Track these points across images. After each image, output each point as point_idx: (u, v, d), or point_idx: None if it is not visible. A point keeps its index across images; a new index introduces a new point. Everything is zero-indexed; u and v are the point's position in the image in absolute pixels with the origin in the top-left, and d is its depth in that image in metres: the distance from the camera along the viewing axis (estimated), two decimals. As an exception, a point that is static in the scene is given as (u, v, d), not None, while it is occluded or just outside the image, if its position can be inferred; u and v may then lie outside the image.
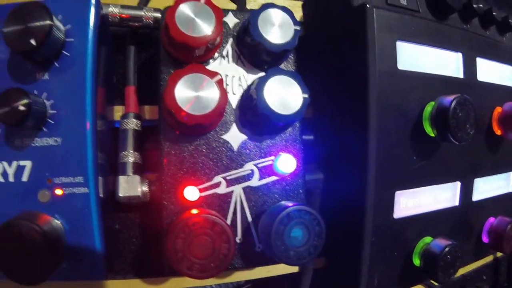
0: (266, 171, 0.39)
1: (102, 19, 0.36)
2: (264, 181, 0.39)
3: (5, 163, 0.33)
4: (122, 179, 0.38)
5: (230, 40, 0.40)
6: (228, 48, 0.39)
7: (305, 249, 0.35)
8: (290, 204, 0.36)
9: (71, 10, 0.33)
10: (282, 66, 0.41)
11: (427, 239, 0.41)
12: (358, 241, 0.40)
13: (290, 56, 0.41)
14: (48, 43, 0.31)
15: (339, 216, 0.43)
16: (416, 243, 0.41)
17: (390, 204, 0.40)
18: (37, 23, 0.30)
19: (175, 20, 0.35)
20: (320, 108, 0.47)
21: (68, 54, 0.33)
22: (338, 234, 0.43)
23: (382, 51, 0.39)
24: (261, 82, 0.36)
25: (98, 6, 0.35)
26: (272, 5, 0.38)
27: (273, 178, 0.39)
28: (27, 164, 0.33)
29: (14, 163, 0.33)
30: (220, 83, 0.35)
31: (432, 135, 0.40)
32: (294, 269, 0.45)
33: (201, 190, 0.37)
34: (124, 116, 0.40)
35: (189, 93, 0.34)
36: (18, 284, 0.29)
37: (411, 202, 0.42)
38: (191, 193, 0.37)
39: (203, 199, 0.37)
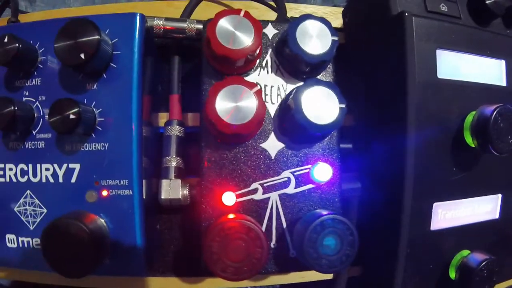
0: (302, 179, 0.39)
1: (147, 31, 0.37)
2: (300, 189, 0.39)
3: (56, 165, 0.35)
4: (164, 182, 0.39)
5: (270, 51, 0.40)
6: (268, 58, 0.40)
7: (337, 257, 0.35)
8: (324, 212, 0.36)
9: (118, 24, 0.35)
10: (320, 75, 0.41)
11: (465, 252, 0.40)
12: (394, 252, 0.39)
13: (328, 66, 0.41)
14: (96, 57, 0.32)
15: (376, 225, 0.43)
16: (453, 256, 0.40)
17: (427, 216, 0.39)
18: (86, 39, 0.32)
19: (216, 34, 0.35)
20: (360, 117, 0.46)
21: (115, 66, 0.35)
22: (374, 243, 0.43)
23: (422, 60, 0.38)
24: (298, 93, 0.36)
25: (143, 20, 0.36)
26: (310, 16, 0.38)
27: (309, 186, 0.39)
28: (76, 167, 0.35)
29: (64, 166, 0.35)
30: (258, 93, 0.35)
31: (473, 145, 0.39)
32: (328, 276, 0.44)
33: (238, 196, 0.38)
34: (168, 123, 0.41)
35: (228, 104, 0.35)
36: (63, 276, 0.31)
37: (449, 214, 0.40)
38: (229, 198, 0.37)
39: (240, 204, 0.38)
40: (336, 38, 0.38)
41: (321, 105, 0.36)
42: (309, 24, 0.38)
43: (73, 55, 0.32)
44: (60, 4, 0.76)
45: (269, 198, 0.38)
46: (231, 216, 0.36)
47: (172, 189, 0.39)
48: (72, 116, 0.32)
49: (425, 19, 0.39)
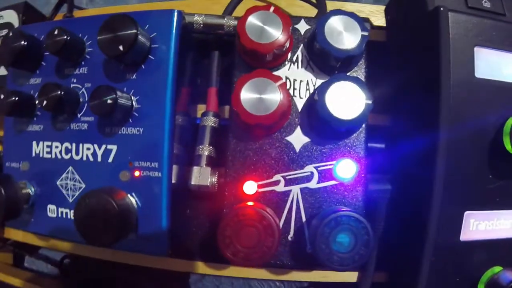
0: (326, 175, 0.38)
1: (184, 27, 0.39)
2: (322, 185, 0.38)
3: (96, 146, 0.38)
4: (195, 169, 0.41)
5: (301, 46, 0.40)
6: (299, 53, 0.40)
7: (350, 256, 0.34)
8: (343, 208, 0.35)
9: (157, 20, 0.37)
10: (352, 72, 0.40)
11: (497, 268, 0.36)
12: (418, 259, 0.36)
13: (361, 62, 0.40)
14: (134, 49, 0.35)
15: (403, 230, 0.41)
16: (484, 271, 0.36)
17: (457, 224, 0.36)
18: (124, 32, 0.34)
19: (245, 29, 0.37)
20: (394, 116, 0.44)
21: (153, 58, 0.37)
22: (400, 248, 0.41)
23: (458, 58, 0.35)
24: (324, 87, 0.36)
25: (180, 17, 0.38)
26: (340, 12, 0.37)
27: (332, 182, 0.38)
28: (114, 148, 0.37)
29: (103, 146, 0.38)
30: (282, 87, 0.36)
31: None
32: (352, 278, 0.43)
33: (260, 186, 0.38)
34: (204, 114, 0.43)
35: (253, 95, 0.36)
36: (90, 244, 0.34)
37: (482, 225, 0.37)
38: (250, 187, 0.38)
39: (261, 195, 0.38)
40: (365, 34, 0.37)
41: (346, 100, 0.36)
42: (338, 19, 0.37)
43: (113, 47, 0.34)
44: (120, 1, 0.81)
45: (290, 191, 0.38)
46: (249, 203, 0.36)
47: (202, 176, 0.41)
48: (109, 101, 0.34)
49: (463, 15, 0.36)
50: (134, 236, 0.37)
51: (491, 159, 0.36)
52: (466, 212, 0.36)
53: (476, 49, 0.36)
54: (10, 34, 0.36)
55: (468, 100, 0.36)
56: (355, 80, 0.36)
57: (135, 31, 0.35)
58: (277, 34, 0.37)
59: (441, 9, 0.36)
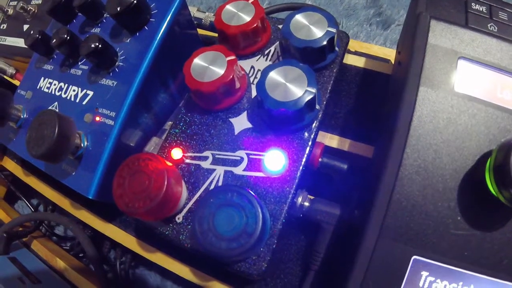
0: (255, 164, 0.30)
1: (189, 19, 0.38)
2: (247, 173, 0.29)
3: (79, 89, 0.37)
4: (154, 139, 0.37)
5: (276, 43, 0.34)
6: (272, 49, 0.34)
7: (228, 239, 0.24)
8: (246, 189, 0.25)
9: (162, 1, 0.36)
10: (320, 74, 0.32)
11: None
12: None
13: (332, 66, 0.31)
14: (129, 13, 0.34)
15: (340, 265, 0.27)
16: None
17: (399, 272, 0.23)
18: (126, -1, 0.34)
19: (221, 13, 0.33)
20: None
21: (147, 29, 0.36)
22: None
23: (434, 67, 0.25)
24: (271, 67, 0.29)
25: (181, 4, 0.36)
26: (313, 9, 0.31)
27: (259, 174, 0.29)
28: (91, 93, 0.36)
29: (84, 91, 0.37)
30: (231, 62, 0.30)
31: (495, 194, 0.22)
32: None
33: (188, 157, 0.31)
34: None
35: (202, 64, 0.31)
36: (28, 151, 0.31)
37: (440, 285, 0.22)
38: (177, 154, 0.31)
39: (187, 166, 0.31)
40: (332, 30, 0.29)
41: (290, 85, 0.28)
42: (308, 14, 0.31)
43: (113, 6, 0.34)
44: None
45: (214, 170, 0.30)
46: (168, 163, 0.29)
47: (156, 147, 0.36)
48: (92, 46, 0.33)
49: (452, 26, 0.26)
50: (70, 169, 0.34)
51: (467, 197, 0.23)
52: (415, 258, 0.23)
53: (460, 61, 0.25)
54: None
55: (441, 114, 0.24)
56: (304, 68, 0.28)
57: (132, 0, 0.34)
58: (246, 19, 0.32)
59: (423, 13, 0.27)
